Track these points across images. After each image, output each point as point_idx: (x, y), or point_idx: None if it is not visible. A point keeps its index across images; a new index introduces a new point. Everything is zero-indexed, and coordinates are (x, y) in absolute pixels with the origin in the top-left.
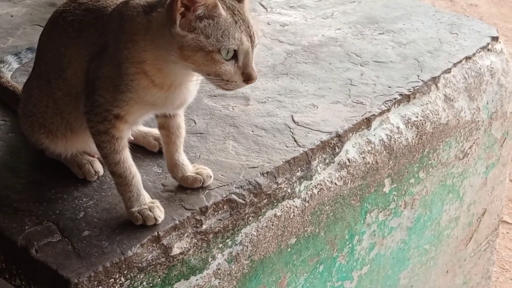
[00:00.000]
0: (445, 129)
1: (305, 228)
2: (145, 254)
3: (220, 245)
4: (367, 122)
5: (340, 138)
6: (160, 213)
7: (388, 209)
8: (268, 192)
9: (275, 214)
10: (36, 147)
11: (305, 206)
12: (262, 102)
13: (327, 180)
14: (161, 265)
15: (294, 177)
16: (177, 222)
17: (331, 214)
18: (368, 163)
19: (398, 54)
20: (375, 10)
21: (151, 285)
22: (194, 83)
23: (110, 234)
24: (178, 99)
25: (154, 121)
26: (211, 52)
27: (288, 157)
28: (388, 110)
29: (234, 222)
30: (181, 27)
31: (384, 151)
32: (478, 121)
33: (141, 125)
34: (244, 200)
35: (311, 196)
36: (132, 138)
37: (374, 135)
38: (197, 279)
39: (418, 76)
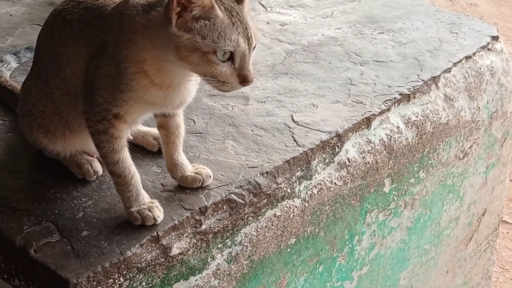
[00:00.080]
0: (445, 128)
1: (305, 228)
2: (144, 254)
3: (220, 245)
4: (367, 121)
5: (340, 138)
6: (159, 213)
7: (388, 209)
8: (267, 192)
9: (274, 214)
10: (35, 147)
11: (304, 206)
12: (261, 102)
13: (327, 180)
14: (160, 265)
15: (293, 177)
16: (176, 222)
17: (331, 214)
18: (368, 163)
19: (398, 54)
20: (375, 9)
21: (150, 285)
22: (194, 83)
23: (109, 234)
24: (178, 99)
25: (153, 121)
26: (206, 53)
27: (287, 157)
28: (388, 109)
29: (234, 222)
30: (177, 27)
31: (384, 151)
32: (478, 120)
33: (140, 125)
34: (244, 200)
35: (310, 196)
36: (131, 138)
37: (374, 135)
38: (196, 280)
39: (418, 75)
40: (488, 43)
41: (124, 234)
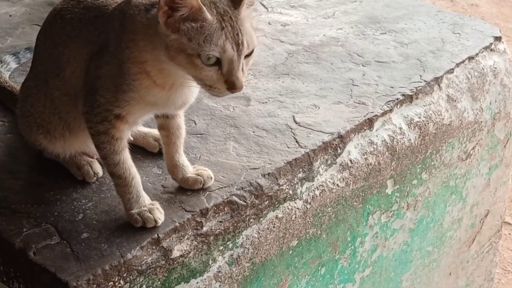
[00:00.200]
0: (448, 129)
1: (307, 230)
2: (144, 257)
3: (221, 248)
4: (369, 122)
5: (342, 139)
6: (160, 215)
7: (390, 210)
8: (269, 194)
9: (276, 216)
10: (34, 148)
11: (306, 208)
12: (263, 103)
13: (329, 182)
14: (161, 268)
15: (295, 179)
16: (177, 224)
17: (333, 215)
18: (370, 164)
19: (400, 54)
20: (376, 9)
21: None
22: (195, 84)
23: (109, 237)
24: (180, 99)
25: (154, 122)
26: (191, 56)
27: (289, 158)
28: (391, 110)
29: (235, 224)
30: (166, 26)
31: (387, 152)
32: (481, 121)
33: (141, 126)
34: (245, 202)
35: (312, 197)
36: (132, 139)
37: (377, 136)
38: (197, 282)
39: (420, 76)
40: (491, 44)
41: (124, 236)
